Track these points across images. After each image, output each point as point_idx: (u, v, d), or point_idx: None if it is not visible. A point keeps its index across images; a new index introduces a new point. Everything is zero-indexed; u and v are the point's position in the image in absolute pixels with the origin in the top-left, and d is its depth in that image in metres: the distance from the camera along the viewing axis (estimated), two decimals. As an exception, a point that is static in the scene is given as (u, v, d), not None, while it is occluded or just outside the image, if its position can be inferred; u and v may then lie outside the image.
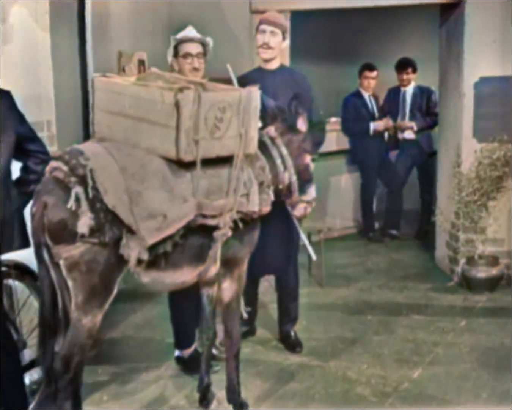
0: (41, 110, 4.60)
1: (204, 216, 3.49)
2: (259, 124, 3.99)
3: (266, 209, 3.78)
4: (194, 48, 4.33)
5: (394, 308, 5.70)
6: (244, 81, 4.31)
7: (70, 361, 3.30)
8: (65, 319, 3.38)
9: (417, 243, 7.76)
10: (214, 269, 3.72)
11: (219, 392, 4.08)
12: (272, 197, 3.81)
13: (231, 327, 3.90)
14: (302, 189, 4.04)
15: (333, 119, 8.25)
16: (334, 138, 8.03)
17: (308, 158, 4.06)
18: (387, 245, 7.82)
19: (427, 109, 7.91)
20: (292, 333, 4.93)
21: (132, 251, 3.28)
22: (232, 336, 3.90)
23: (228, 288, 3.86)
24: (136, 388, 4.37)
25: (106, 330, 5.25)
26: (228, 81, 4.54)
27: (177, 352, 4.63)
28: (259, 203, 3.71)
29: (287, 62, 6.74)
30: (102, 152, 3.35)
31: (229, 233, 3.60)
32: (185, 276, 3.61)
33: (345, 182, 8.27)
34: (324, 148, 7.69)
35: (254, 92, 3.52)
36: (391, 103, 8.20)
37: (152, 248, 3.34)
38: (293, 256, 4.83)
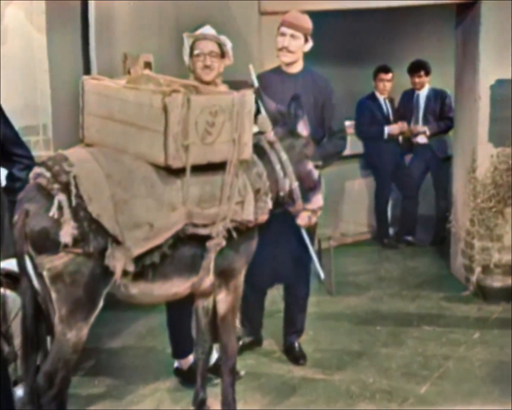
0: (37, 113, 4.49)
1: (195, 225, 3.34)
2: (255, 128, 3.85)
3: (263, 217, 3.62)
4: (207, 46, 4.14)
5: (405, 318, 5.51)
6: (261, 83, 4.19)
7: (54, 377, 3.16)
8: (49, 332, 3.25)
9: (433, 250, 7.54)
10: (208, 280, 3.57)
11: (214, 402, 3.92)
12: (270, 205, 3.64)
13: (226, 340, 3.73)
14: (306, 197, 3.86)
15: (348, 122, 8.03)
16: (348, 142, 7.78)
17: (310, 165, 3.87)
18: (402, 251, 7.60)
19: (441, 113, 7.71)
20: (297, 345, 4.75)
21: (118, 261, 3.15)
22: (227, 350, 3.73)
23: (224, 300, 3.69)
24: (132, 401, 4.23)
25: (106, 339, 5.14)
26: (241, 83, 4.40)
27: (176, 364, 4.47)
28: (255, 211, 3.55)
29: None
30: (87, 158, 3.22)
31: (223, 243, 3.45)
32: (176, 287, 3.46)
33: (359, 187, 8.09)
34: (339, 152, 7.70)
35: (248, 96, 3.37)
36: (405, 107, 8.00)
37: (138, 259, 3.20)
38: (304, 265, 4.61)
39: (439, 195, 7.75)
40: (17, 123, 4.33)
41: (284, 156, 3.76)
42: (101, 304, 3.25)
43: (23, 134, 4.41)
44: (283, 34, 4.37)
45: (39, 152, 4.45)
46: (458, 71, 6.53)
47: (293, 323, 4.76)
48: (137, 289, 3.34)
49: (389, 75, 7.81)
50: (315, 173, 3.90)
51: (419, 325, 5.36)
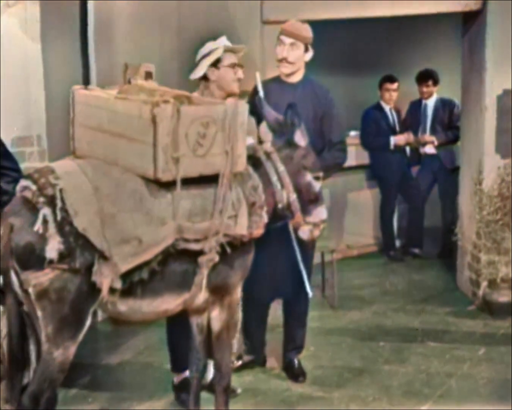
0: (30, 124, 4.40)
1: (186, 240, 3.24)
2: (250, 140, 3.75)
3: (258, 231, 3.51)
4: (235, 59, 4.12)
5: (408, 334, 5.37)
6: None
7: (39, 397, 3.07)
8: (36, 351, 3.15)
9: (440, 263, 7.36)
10: (202, 297, 3.47)
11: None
12: (265, 219, 3.53)
13: (220, 358, 3.61)
14: (306, 210, 3.72)
15: (353, 133, 7.95)
16: (354, 153, 7.69)
17: (309, 176, 3.74)
18: (408, 264, 7.45)
19: (449, 123, 7.57)
20: (296, 361, 4.63)
21: (105, 278, 3.05)
22: (221, 368, 3.61)
23: (218, 318, 3.57)
24: (125, 419, 4.13)
25: (104, 354, 5.04)
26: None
27: (175, 379, 4.35)
28: (249, 225, 3.44)
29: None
30: (75, 170, 3.14)
31: (216, 258, 3.34)
32: (166, 304, 3.35)
33: (365, 198, 7.96)
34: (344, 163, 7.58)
35: (241, 106, 3.26)
36: (413, 117, 7.88)
37: (126, 275, 3.11)
38: (304, 280, 4.46)
39: (446, 206, 7.60)
40: (11, 134, 4.28)
41: (281, 167, 3.64)
42: (89, 321, 3.16)
43: (16, 145, 4.35)
44: (282, 43, 4.27)
45: (33, 164, 4.37)
46: (465, 81, 6.41)
47: (292, 339, 4.64)
48: (125, 306, 3.24)
49: (395, 85, 7.69)
50: (315, 185, 3.76)
51: (423, 340, 5.22)
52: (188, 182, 3.21)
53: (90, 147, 3.34)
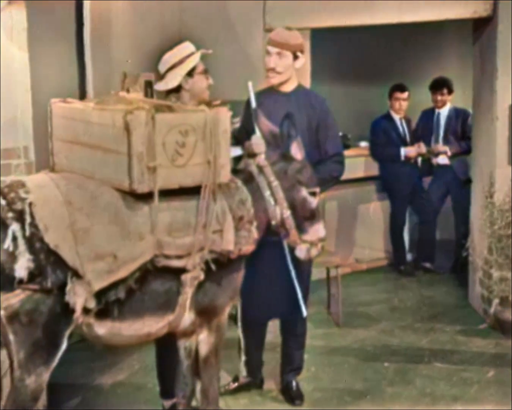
0: (17, 135, 4.22)
1: (167, 256, 3.03)
2: (238, 151, 3.56)
3: (248, 248, 3.30)
4: (203, 65, 3.92)
5: (415, 354, 5.12)
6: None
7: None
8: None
9: (452, 278, 7.09)
10: (188, 318, 3.27)
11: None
12: (255, 235, 3.32)
13: (207, 384, 3.40)
14: (302, 228, 3.50)
15: (363, 143, 7.74)
16: (363, 164, 7.50)
17: (304, 192, 3.51)
18: (418, 279, 7.17)
19: (463, 133, 7.30)
20: (294, 384, 4.40)
21: (79, 298, 2.85)
22: (208, 394, 3.40)
23: (205, 341, 3.36)
24: (113, 444, 3.93)
25: (96, 374, 4.84)
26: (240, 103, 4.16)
27: (164, 403, 4.14)
28: (238, 241, 3.23)
29: (307, 83, 6.32)
30: (47, 184, 2.97)
31: (201, 276, 3.14)
32: (148, 327, 3.15)
33: (375, 211, 7.71)
34: (352, 174, 7.35)
35: (222, 114, 3.07)
36: (424, 126, 7.61)
37: (101, 294, 2.90)
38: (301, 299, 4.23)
39: (459, 219, 7.33)
40: (-4, 146, 4.10)
41: (274, 182, 3.44)
42: (64, 345, 2.97)
43: (2, 157, 4.16)
44: (268, 54, 4.08)
45: (20, 177, 4.20)
46: (476, 90, 6.18)
47: (290, 361, 4.41)
48: (103, 329, 3.05)
49: (405, 94, 7.43)
50: (312, 201, 3.53)
51: (430, 361, 4.98)
52: (169, 194, 3.02)
53: (68, 161, 3.20)
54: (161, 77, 3.99)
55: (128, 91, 5.72)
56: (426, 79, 7.62)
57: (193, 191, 3.08)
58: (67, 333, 2.94)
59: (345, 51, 7.76)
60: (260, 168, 3.46)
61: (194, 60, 3.85)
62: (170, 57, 3.86)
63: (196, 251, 3.09)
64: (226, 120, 3.08)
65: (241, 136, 4.11)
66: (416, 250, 7.66)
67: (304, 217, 3.51)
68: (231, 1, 5.99)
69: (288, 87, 4.15)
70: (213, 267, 3.14)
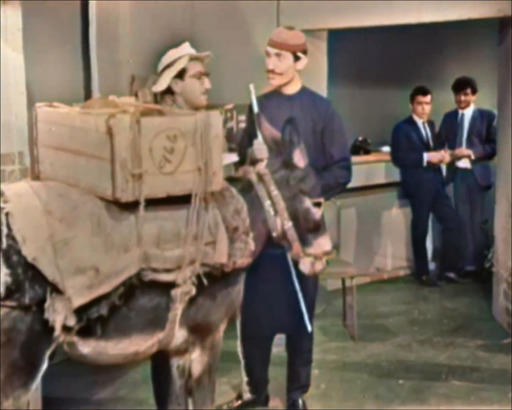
0: (11, 140, 4.05)
1: (155, 270, 2.83)
2: (234, 157, 3.36)
3: (244, 260, 3.09)
4: (201, 67, 3.75)
5: (432, 370, 4.86)
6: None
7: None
8: None
9: (476, 288, 6.77)
10: (181, 336, 3.06)
11: None
12: (252, 247, 3.11)
13: (200, 406, 3.18)
14: (305, 241, 3.29)
15: (385, 148, 7.48)
16: (383, 170, 7.25)
17: (307, 202, 3.29)
18: (441, 289, 6.89)
19: (487, 136, 7.02)
20: (300, 402, 4.17)
21: (58, 315, 2.66)
22: (201, 417, 3.19)
23: (199, 360, 3.14)
24: None
25: (98, 388, 4.65)
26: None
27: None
28: (232, 253, 3.03)
29: (323, 86, 6.11)
30: (27, 192, 2.78)
31: (192, 291, 2.93)
32: (135, 345, 2.94)
33: (396, 218, 7.45)
34: (372, 180, 7.14)
35: (214, 117, 2.86)
36: (448, 129, 7.33)
37: (82, 311, 2.71)
38: (307, 313, 3.97)
39: (475, 227, 7.07)
40: (-11, 151, 3.94)
41: (274, 191, 3.22)
42: (44, 366, 2.78)
43: (-4, 163, 4.01)
44: (268, 55, 3.89)
45: None
46: (501, 92, 5.91)
47: (296, 378, 4.18)
48: (88, 348, 2.85)
49: (428, 97, 7.16)
50: (316, 212, 3.30)
51: (448, 378, 4.72)
52: (157, 203, 2.82)
53: (53, 168, 3.02)
54: (158, 78, 3.83)
55: (136, 94, 5.59)
56: (450, 81, 7.35)
57: (183, 200, 2.88)
58: (47, 352, 2.76)
59: (365, 53, 7.50)
60: (260, 177, 3.26)
61: (183, 62, 3.69)
62: (165, 58, 3.72)
63: (187, 264, 2.88)
64: (218, 124, 2.87)
65: (243, 141, 3.94)
66: (439, 259, 7.38)
67: (308, 228, 3.30)
68: (244, 1, 5.80)
69: (292, 90, 3.95)
70: (205, 281, 2.93)
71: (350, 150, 7.20)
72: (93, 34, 5.12)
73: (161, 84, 3.67)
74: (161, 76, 3.69)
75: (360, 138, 7.39)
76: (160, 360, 3.49)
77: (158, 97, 3.90)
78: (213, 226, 2.95)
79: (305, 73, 5.90)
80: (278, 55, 3.86)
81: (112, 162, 2.68)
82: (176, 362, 3.23)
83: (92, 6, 5.10)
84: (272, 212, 3.22)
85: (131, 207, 2.77)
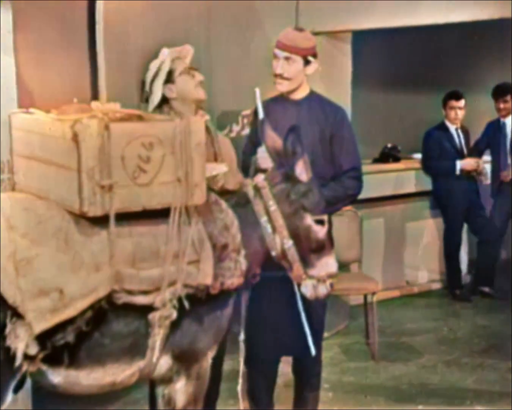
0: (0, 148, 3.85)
1: (130, 292, 2.57)
2: (224, 167, 3.09)
3: (234, 281, 2.82)
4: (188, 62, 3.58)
5: (457, 395, 4.52)
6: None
7: None
8: None
9: (513, 305, 6.42)
10: (165, 364, 2.80)
11: None
12: (243, 266, 2.85)
13: (184, 438, 2.92)
14: (308, 262, 3.02)
15: (416, 155, 7.13)
16: (413, 178, 6.91)
17: (309, 219, 3.01)
18: (474, 305, 6.53)
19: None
20: (307, 430, 3.87)
21: (21, 342, 2.41)
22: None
23: (183, 390, 2.86)
24: None
25: (101, 404, 4.40)
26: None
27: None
28: (220, 273, 2.76)
29: (347, 90, 5.82)
30: None
31: (173, 315, 2.67)
32: (111, 375, 2.70)
33: (428, 229, 7.11)
34: (401, 189, 6.80)
35: (195, 124, 2.60)
36: (490, 139, 6.95)
37: (46, 337, 2.46)
38: (315, 335, 3.65)
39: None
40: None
41: (273, 206, 2.95)
42: (8, 398, 2.55)
43: (-17, 172, 3.82)
44: (276, 58, 3.61)
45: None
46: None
47: (303, 403, 3.86)
48: (58, 377, 2.62)
49: (461, 102, 6.79)
50: (318, 230, 3.01)
51: (473, 404, 4.39)
52: (133, 218, 2.57)
53: (26, 179, 2.81)
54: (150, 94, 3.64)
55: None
56: (488, 84, 6.99)
57: (164, 214, 2.62)
58: (12, 383, 2.53)
59: (394, 55, 7.17)
60: (257, 190, 2.99)
61: (166, 66, 3.51)
62: (148, 74, 3.56)
63: (166, 285, 2.62)
64: (200, 130, 2.61)
65: (247, 149, 3.68)
66: (473, 272, 7.02)
67: (310, 248, 3.02)
68: (261, 1, 5.53)
69: (299, 94, 3.66)
70: (186, 304, 2.66)
71: (379, 157, 7.02)
72: (100, 37, 4.90)
73: (156, 96, 3.49)
74: (151, 92, 3.54)
75: (389, 145, 7.04)
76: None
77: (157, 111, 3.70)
78: (197, 243, 2.69)
79: (327, 77, 5.65)
80: (287, 58, 3.59)
81: (78, 172, 2.43)
82: (161, 391, 2.95)
83: (100, 7, 4.89)
84: (269, 229, 2.97)
85: (103, 221, 2.52)
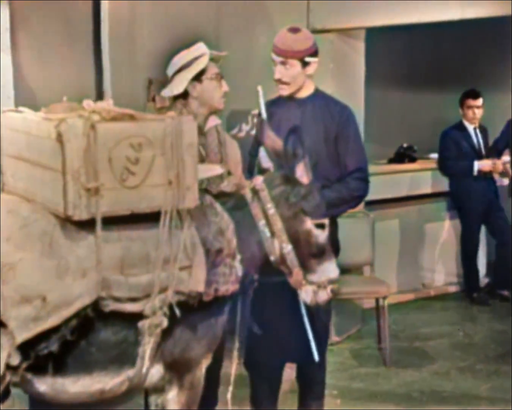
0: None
1: (117, 299, 2.47)
2: (220, 169, 2.99)
3: (228, 288, 2.71)
4: (217, 69, 3.49)
5: (470, 403, 4.38)
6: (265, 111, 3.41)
7: None
8: None
9: (533, 308, 6.25)
10: (156, 373, 2.71)
11: None
12: (239, 272, 2.75)
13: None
14: (308, 267, 2.92)
15: (433, 155, 6.98)
16: (429, 179, 6.76)
17: (309, 223, 2.90)
18: (493, 309, 6.38)
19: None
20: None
21: (3, 351, 2.33)
22: None
23: (175, 401, 2.77)
24: None
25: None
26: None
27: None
28: (214, 279, 2.66)
29: (360, 89, 5.70)
30: None
31: (164, 323, 2.56)
32: (100, 383, 2.60)
33: (445, 230, 6.96)
34: (417, 190, 6.66)
35: (187, 123, 2.49)
36: (510, 138, 6.80)
37: (29, 347, 2.37)
38: (319, 342, 3.53)
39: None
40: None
41: (271, 209, 2.86)
42: None
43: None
44: (274, 63, 3.52)
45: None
46: None
47: (308, 412, 3.77)
48: (44, 385, 2.54)
49: (479, 101, 6.63)
50: (318, 235, 2.91)
51: (486, 413, 4.24)
52: (122, 222, 2.47)
53: (14, 180, 2.71)
54: (169, 81, 3.54)
55: (154, 99, 5.28)
56: (507, 82, 6.92)
57: (154, 218, 2.52)
58: (-2, 396, 2.44)
59: (409, 53, 7.03)
60: (255, 192, 2.89)
61: (203, 62, 3.41)
62: (178, 60, 3.44)
63: (157, 292, 2.51)
64: (192, 131, 2.50)
65: (253, 149, 3.59)
66: (492, 275, 6.86)
67: (310, 253, 2.92)
68: (271, 1, 5.42)
69: (303, 93, 3.56)
70: (178, 312, 2.56)
71: (394, 157, 6.88)
72: (105, 35, 4.83)
73: (177, 87, 3.39)
74: (175, 79, 3.42)
75: (405, 145, 6.90)
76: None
77: (169, 102, 3.62)
78: (189, 248, 2.59)
79: (339, 76, 5.54)
80: (283, 63, 3.49)
81: (63, 174, 2.34)
82: (154, 401, 2.86)
83: (105, 6, 4.82)
84: (267, 233, 2.87)
85: (90, 225, 2.43)
